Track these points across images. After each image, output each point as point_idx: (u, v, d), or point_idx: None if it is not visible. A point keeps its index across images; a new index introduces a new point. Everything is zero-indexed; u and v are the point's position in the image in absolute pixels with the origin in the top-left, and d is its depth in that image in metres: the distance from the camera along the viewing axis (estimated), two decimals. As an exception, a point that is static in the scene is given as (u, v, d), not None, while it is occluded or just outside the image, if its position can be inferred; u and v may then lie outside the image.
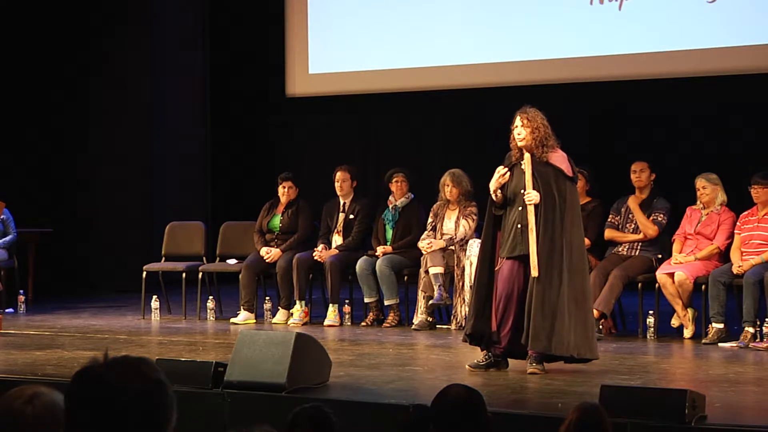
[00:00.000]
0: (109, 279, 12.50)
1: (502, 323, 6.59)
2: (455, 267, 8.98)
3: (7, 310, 10.35)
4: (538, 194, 6.52)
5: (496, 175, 6.66)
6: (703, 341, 8.07)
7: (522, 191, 6.59)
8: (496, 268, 6.67)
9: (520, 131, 6.64)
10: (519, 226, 6.57)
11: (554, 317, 6.39)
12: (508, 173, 6.64)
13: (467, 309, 7.42)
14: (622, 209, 8.91)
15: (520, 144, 6.65)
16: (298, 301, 9.48)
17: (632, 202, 8.83)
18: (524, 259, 6.55)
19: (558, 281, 6.44)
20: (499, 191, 6.66)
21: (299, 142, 13.40)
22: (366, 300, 9.49)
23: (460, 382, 6.35)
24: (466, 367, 6.55)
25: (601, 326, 8.45)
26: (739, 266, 8.09)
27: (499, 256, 6.69)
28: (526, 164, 6.59)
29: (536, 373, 6.52)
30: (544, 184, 6.56)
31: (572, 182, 6.70)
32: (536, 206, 6.52)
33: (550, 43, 11.34)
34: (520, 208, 6.60)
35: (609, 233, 8.86)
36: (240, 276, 9.73)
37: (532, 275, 6.44)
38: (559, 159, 6.68)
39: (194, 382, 5.98)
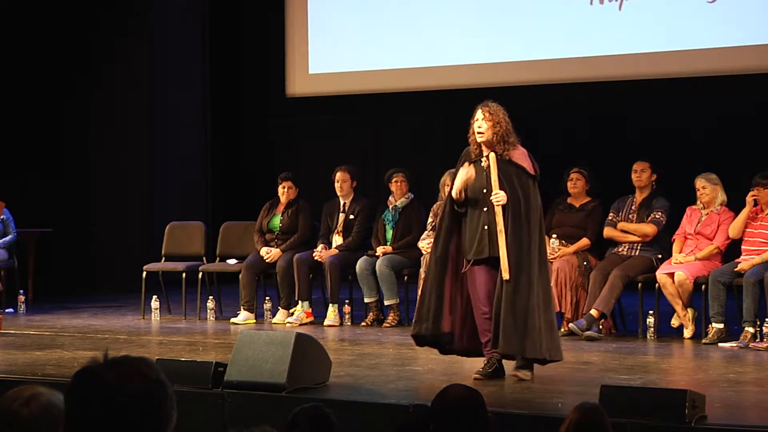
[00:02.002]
0: (109, 279, 12.51)
1: (465, 324, 6.46)
2: (455, 267, 8.97)
3: (7, 310, 10.36)
4: (505, 195, 6.34)
5: (461, 175, 6.43)
6: (703, 341, 8.07)
7: (485, 191, 6.41)
8: (463, 270, 6.47)
9: (481, 124, 6.43)
10: (486, 227, 6.39)
11: (525, 319, 6.24)
12: (474, 172, 6.43)
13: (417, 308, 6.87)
14: (622, 208, 8.91)
15: (479, 138, 6.45)
16: (300, 302, 9.48)
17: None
18: (492, 262, 6.38)
19: (527, 282, 6.28)
20: (463, 191, 6.46)
21: (299, 142, 13.40)
22: (366, 300, 9.50)
23: (460, 382, 6.36)
24: (473, 377, 6.46)
25: (601, 326, 8.45)
26: (742, 261, 8.11)
27: (464, 258, 6.48)
28: (492, 164, 6.41)
29: (519, 377, 6.34)
30: (509, 183, 6.38)
31: (534, 180, 6.48)
32: (503, 207, 6.34)
33: (550, 43, 11.34)
34: (485, 209, 6.41)
35: (608, 232, 8.86)
36: (240, 276, 9.73)
37: (504, 278, 6.27)
38: (521, 156, 6.47)
39: (194, 382, 5.98)
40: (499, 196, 6.35)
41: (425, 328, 6.53)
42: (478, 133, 6.46)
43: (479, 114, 6.49)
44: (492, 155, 6.43)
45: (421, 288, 6.73)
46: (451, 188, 6.57)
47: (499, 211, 6.35)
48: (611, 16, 11.05)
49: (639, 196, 8.88)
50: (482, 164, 6.48)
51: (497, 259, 6.33)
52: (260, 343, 6.12)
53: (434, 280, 6.53)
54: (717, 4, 10.60)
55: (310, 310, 9.51)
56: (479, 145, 6.50)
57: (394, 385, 6.31)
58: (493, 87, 11.32)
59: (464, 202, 6.50)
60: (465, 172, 6.45)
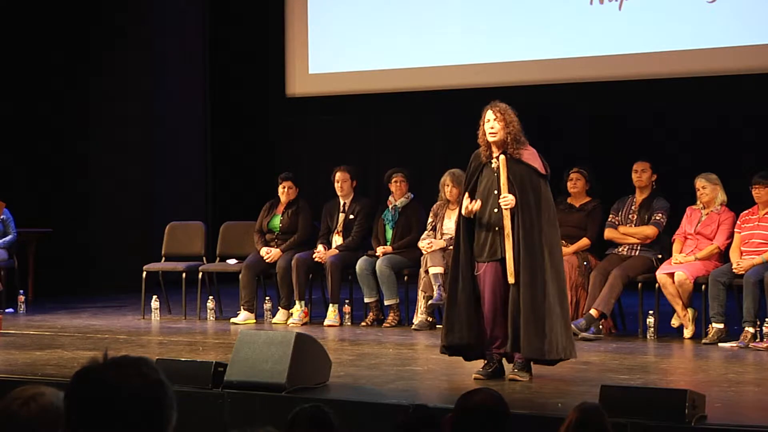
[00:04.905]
0: (109, 279, 12.50)
1: (495, 328, 6.42)
2: (455, 267, 8.96)
3: (7, 310, 10.35)
4: (514, 198, 6.32)
5: (466, 203, 6.43)
6: (703, 341, 8.06)
7: (495, 192, 6.40)
8: (477, 273, 6.46)
9: (494, 125, 6.39)
10: (497, 228, 6.39)
11: (544, 321, 6.23)
12: (479, 205, 6.41)
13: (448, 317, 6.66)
14: (622, 209, 8.91)
15: (491, 139, 6.41)
16: (297, 302, 9.48)
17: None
18: (504, 262, 6.35)
19: (542, 284, 6.27)
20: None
21: (299, 142, 13.40)
22: (366, 300, 9.49)
23: (460, 382, 6.36)
24: (473, 377, 6.46)
25: (601, 326, 8.45)
26: (738, 264, 8.10)
27: (476, 260, 6.48)
28: (502, 166, 6.38)
29: (518, 380, 6.33)
30: (520, 184, 6.36)
31: (545, 179, 6.47)
32: (512, 209, 6.33)
33: (550, 43, 11.34)
34: (495, 210, 6.40)
35: (609, 233, 8.86)
36: (240, 276, 9.73)
37: (509, 281, 6.28)
38: (531, 156, 6.45)
39: (194, 382, 5.98)
40: (507, 200, 6.33)
41: (459, 337, 6.48)
42: (491, 133, 6.42)
43: (490, 114, 6.45)
44: (502, 157, 6.40)
45: (448, 296, 6.67)
46: (461, 205, 6.58)
47: (507, 214, 6.34)
48: (611, 16, 11.05)
49: (639, 197, 8.88)
50: (492, 165, 6.47)
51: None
52: (260, 343, 6.12)
53: (465, 288, 6.48)
54: (717, 4, 10.61)
55: (307, 310, 9.50)
56: (489, 146, 6.48)
57: (394, 385, 6.31)
58: (493, 87, 11.33)
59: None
60: (467, 206, 6.43)
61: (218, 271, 10.24)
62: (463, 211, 6.50)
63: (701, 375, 7.01)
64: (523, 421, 5.36)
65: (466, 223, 6.54)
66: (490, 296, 6.41)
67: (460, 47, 11.81)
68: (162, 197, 12.82)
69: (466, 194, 6.52)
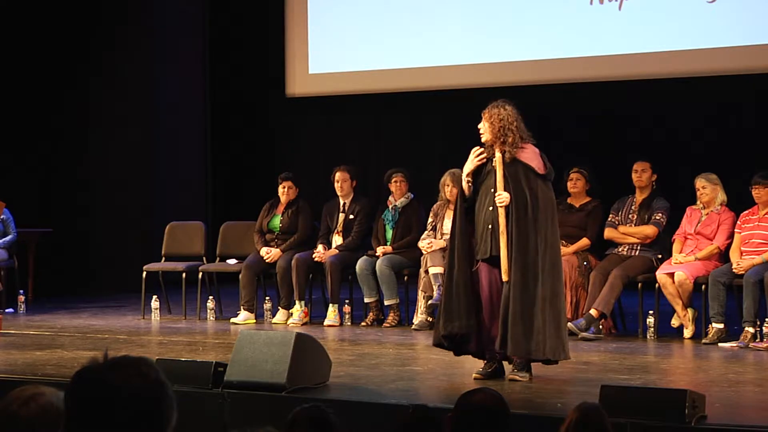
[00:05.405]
0: (109, 279, 12.50)
1: (493, 327, 6.42)
2: (455, 267, 8.95)
3: (7, 310, 10.35)
4: (508, 195, 6.36)
5: (471, 157, 6.50)
6: (703, 341, 8.07)
7: (492, 190, 6.43)
8: (474, 269, 6.48)
9: (481, 126, 6.55)
10: (490, 227, 6.41)
11: (531, 320, 6.23)
12: (484, 154, 6.48)
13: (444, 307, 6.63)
14: (622, 209, 8.91)
15: (482, 139, 6.54)
16: (297, 301, 9.48)
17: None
18: (497, 260, 6.36)
19: (533, 283, 6.27)
20: (470, 180, 6.50)
21: (299, 142, 13.41)
22: (366, 300, 9.50)
23: (460, 382, 6.37)
24: (473, 377, 6.46)
25: (601, 326, 8.45)
26: (738, 264, 8.10)
27: (475, 257, 6.49)
28: (498, 164, 6.43)
29: (518, 380, 6.33)
30: (515, 183, 6.38)
31: (544, 179, 6.49)
32: (507, 207, 6.35)
33: (550, 43, 11.34)
34: (490, 208, 6.43)
35: (609, 233, 8.86)
36: (240, 276, 9.73)
37: (503, 279, 6.30)
38: (530, 156, 6.49)
39: (194, 382, 5.98)
40: (501, 197, 6.37)
41: (459, 326, 6.44)
42: (480, 134, 6.56)
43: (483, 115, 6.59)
44: (498, 156, 6.46)
45: (445, 287, 6.67)
46: (460, 189, 6.60)
47: (501, 212, 6.36)
48: (611, 16, 11.05)
49: (639, 197, 8.89)
50: (493, 163, 6.51)
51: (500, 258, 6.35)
52: (260, 343, 6.12)
53: (463, 279, 6.48)
54: (717, 4, 10.60)
55: (307, 310, 9.50)
56: (491, 145, 6.53)
57: (394, 385, 6.31)
58: (493, 87, 11.31)
59: (472, 196, 6.51)
60: (474, 153, 6.48)
61: (218, 271, 10.25)
62: (464, 172, 6.51)
63: (701, 375, 7.01)
64: (523, 421, 5.36)
65: (462, 217, 6.56)
66: (487, 294, 6.44)
67: (460, 47, 11.81)
68: (162, 197, 12.82)
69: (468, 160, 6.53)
